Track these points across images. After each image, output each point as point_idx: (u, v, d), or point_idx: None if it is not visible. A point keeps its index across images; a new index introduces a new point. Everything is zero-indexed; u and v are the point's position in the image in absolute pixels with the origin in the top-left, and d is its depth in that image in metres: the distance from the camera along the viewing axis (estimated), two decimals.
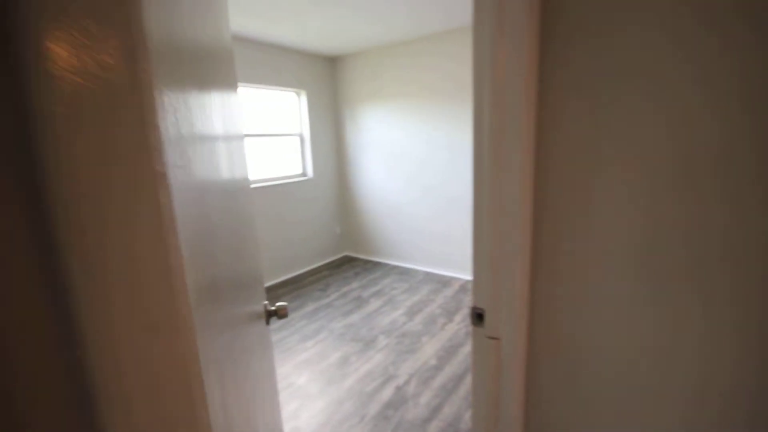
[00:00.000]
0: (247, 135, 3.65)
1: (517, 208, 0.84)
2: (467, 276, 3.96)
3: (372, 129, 4.32)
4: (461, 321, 3.06)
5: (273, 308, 1.19)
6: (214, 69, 0.82)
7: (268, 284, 3.96)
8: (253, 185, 3.75)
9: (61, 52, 0.44)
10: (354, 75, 4.30)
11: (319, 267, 4.51)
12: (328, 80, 4.42)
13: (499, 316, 0.92)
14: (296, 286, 3.94)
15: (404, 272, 4.24)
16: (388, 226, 4.48)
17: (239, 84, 3.46)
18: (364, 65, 4.19)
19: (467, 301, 3.41)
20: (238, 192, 1.01)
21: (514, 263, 0.86)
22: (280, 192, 3.99)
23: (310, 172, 4.37)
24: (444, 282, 3.92)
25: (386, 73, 4.04)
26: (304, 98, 4.19)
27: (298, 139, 4.30)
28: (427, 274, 4.16)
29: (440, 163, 3.90)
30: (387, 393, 2.24)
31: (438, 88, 3.73)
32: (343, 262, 4.70)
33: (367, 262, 4.65)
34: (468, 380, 2.32)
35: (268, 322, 1.19)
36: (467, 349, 2.66)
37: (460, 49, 3.51)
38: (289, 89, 4.03)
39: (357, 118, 4.41)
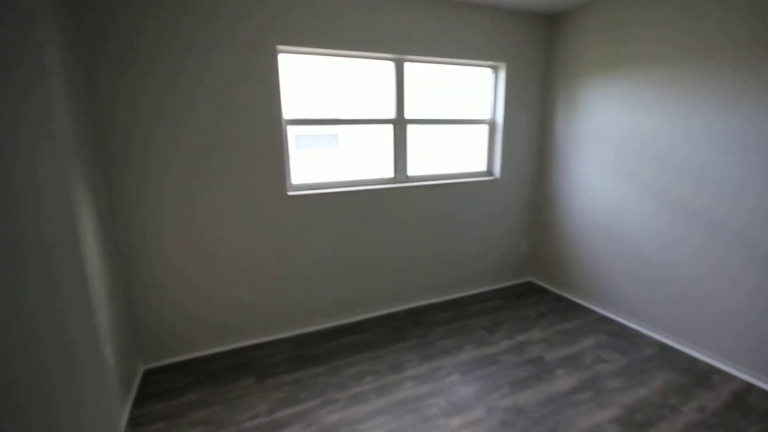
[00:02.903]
0: (414, 121, 2.99)
1: None
2: (754, 377, 2.24)
3: (597, 114, 2.95)
4: None
5: None
6: None
7: (423, 303, 3.29)
8: (421, 182, 3.09)
9: None
10: (582, 36, 2.99)
11: (492, 292, 3.55)
12: (540, 47, 3.25)
13: None
14: (458, 314, 3.13)
15: (619, 333, 2.80)
16: (600, 254, 3.08)
17: (414, 57, 2.77)
18: (602, 19, 2.82)
19: None
20: None
21: None
22: (454, 192, 3.20)
23: (496, 171, 3.39)
24: (697, 374, 2.33)
25: (636, 26, 2.59)
26: (502, 74, 3.20)
27: (486, 127, 3.37)
28: (663, 348, 2.61)
29: (716, 171, 2.26)
30: None
31: (733, 46, 2.08)
32: (523, 291, 3.57)
33: (559, 299, 3.38)
34: None
35: None
36: None
37: None
38: (483, 62, 3.11)
39: (576, 99, 3.11)
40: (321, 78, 2.93)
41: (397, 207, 2.99)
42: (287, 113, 2.59)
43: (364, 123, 2.89)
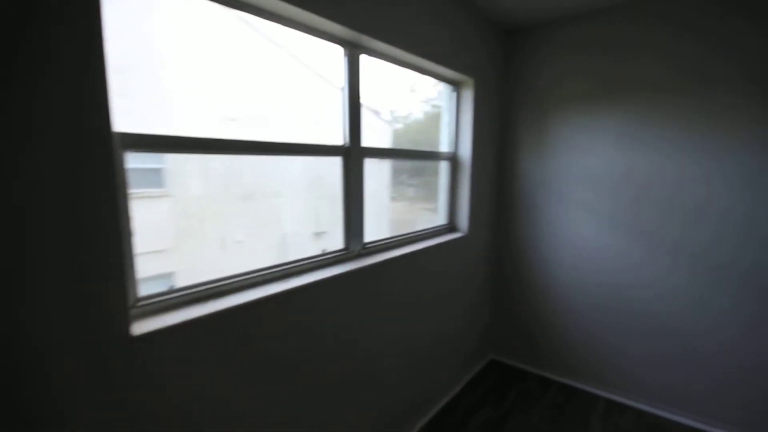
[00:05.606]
0: (374, 152, 1.84)
1: None
2: None
3: (582, 152, 2.40)
4: None
5: None
6: None
7: None
8: (384, 254, 1.85)
9: None
10: (554, 58, 2.42)
11: (465, 393, 2.49)
12: (500, 67, 2.58)
13: None
14: None
15: (652, 427, 2.17)
16: (594, 321, 2.47)
17: (375, 46, 1.64)
18: (576, 41, 2.32)
19: None
20: None
21: None
22: (420, 262, 2.06)
23: (463, 225, 2.46)
24: None
25: (629, 53, 2.16)
26: (468, 93, 2.35)
27: (446, 165, 2.43)
28: None
29: (738, 216, 1.92)
30: None
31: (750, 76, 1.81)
32: (499, 380, 2.66)
33: (544, 383, 2.61)
34: None
35: None
36: None
37: None
38: (449, 73, 2.19)
39: (549, 133, 2.51)
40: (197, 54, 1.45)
41: (356, 304, 1.65)
42: (121, 121, 0.99)
43: (298, 153, 1.50)
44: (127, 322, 0.95)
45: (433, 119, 2.51)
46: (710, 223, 2.03)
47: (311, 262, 1.56)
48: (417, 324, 2.06)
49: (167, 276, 1.51)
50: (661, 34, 2.06)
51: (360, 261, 1.69)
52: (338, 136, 1.64)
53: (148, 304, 1.07)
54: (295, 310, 1.37)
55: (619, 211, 2.30)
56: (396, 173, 2.64)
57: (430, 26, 1.88)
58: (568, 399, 2.45)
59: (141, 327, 0.99)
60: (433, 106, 2.54)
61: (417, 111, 2.55)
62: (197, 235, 1.83)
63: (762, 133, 1.86)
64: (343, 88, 1.61)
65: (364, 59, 1.67)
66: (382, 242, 1.92)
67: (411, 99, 2.44)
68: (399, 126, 2.56)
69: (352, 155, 1.66)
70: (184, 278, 1.29)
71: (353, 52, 1.61)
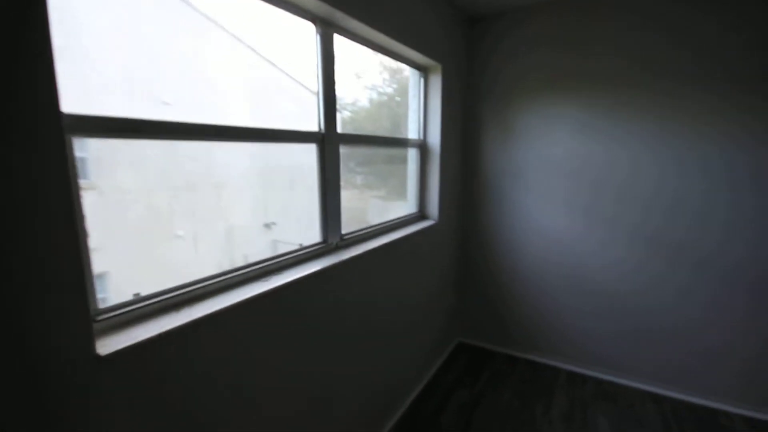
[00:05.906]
0: (349, 138, 1.75)
1: None
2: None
3: (544, 140, 2.49)
4: None
5: None
6: None
7: None
8: (361, 245, 1.79)
9: None
10: (517, 48, 2.47)
11: (440, 377, 2.53)
12: (463, 53, 2.58)
13: None
14: None
15: (609, 393, 2.36)
16: (558, 301, 2.62)
17: (347, 24, 1.56)
18: (544, 27, 2.38)
19: None
20: None
21: None
22: (398, 252, 2.02)
23: (433, 212, 2.45)
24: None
25: (592, 40, 2.26)
26: (436, 79, 2.32)
27: (415, 152, 2.40)
28: (656, 399, 2.30)
29: (694, 202, 2.13)
30: None
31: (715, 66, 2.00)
32: (469, 364, 2.73)
33: (511, 361, 2.72)
34: None
35: None
36: None
37: None
38: (417, 58, 2.14)
39: (513, 122, 2.56)
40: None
41: (338, 300, 1.57)
42: (70, 101, 0.81)
43: (269, 140, 1.37)
44: (90, 340, 0.79)
45: (380, 107, 2.45)
46: (665, 206, 2.20)
47: (289, 258, 1.44)
48: (393, 313, 2.03)
49: (101, 276, 1.33)
50: (617, 26, 2.17)
51: (340, 254, 1.61)
52: (299, 122, 1.53)
53: (111, 317, 0.91)
54: (281, 311, 1.26)
55: (580, 197, 2.43)
56: (344, 161, 2.55)
57: (402, 8, 1.81)
58: (533, 373, 2.59)
59: (106, 345, 0.84)
60: (380, 93, 2.48)
61: (363, 98, 2.46)
62: (132, 230, 1.62)
63: (714, 121, 2.03)
64: (316, 70, 1.49)
65: (337, 39, 1.56)
66: (359, 233, 1.85)
67: (356, 86, 2.35)
68: (347, 113, 2.47)
69: (328, 142, 1.56)
70: (120, 278, 1.13)
71: (326, 31, 1.50)
